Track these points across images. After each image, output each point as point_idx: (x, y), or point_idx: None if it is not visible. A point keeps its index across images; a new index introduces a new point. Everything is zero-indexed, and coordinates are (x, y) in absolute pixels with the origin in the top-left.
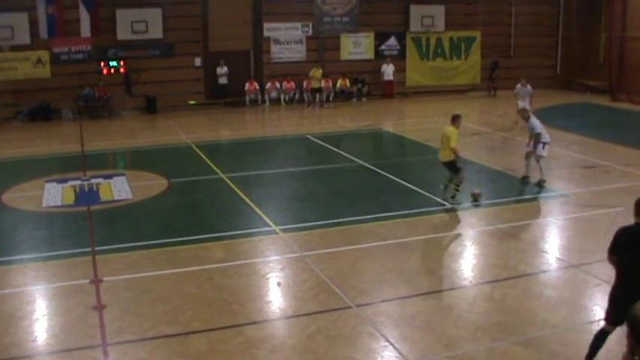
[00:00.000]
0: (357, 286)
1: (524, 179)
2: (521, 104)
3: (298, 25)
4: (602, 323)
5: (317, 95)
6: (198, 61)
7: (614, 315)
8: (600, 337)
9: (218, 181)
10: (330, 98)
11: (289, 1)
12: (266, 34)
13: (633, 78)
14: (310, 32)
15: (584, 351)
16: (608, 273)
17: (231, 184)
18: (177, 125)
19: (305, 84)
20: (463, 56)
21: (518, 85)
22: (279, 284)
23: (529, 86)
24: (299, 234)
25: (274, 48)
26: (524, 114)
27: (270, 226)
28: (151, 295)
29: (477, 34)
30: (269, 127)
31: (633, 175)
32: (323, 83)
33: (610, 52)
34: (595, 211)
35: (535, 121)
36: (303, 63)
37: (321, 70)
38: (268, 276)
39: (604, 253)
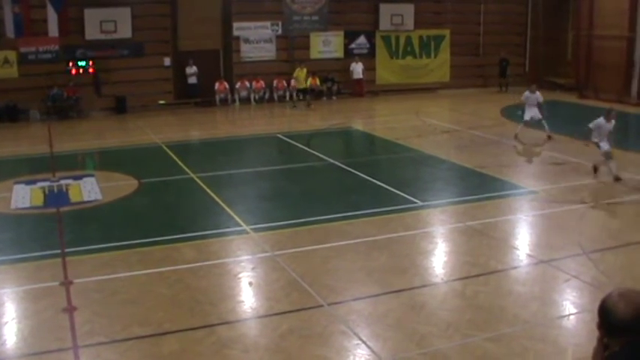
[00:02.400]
0: (329, 284)
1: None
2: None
3: (268, 24)
4: (573, 318)
5: (301, 95)
6: (167, 61)
7: None
8: None
9: (188, 181)
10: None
11: (259, 1)
12: (235, 33)
13: (600, 75)
14: (280, 31)
15: (555, 346)
16: (577, 269)
17: (202, 184)
18: (147, 125)
19: (292, 82)
20: (433, 54)
21: (527, 93)
22: (250, 284)
23: (538, 92)
24: (270, 233)
25: (244, 47)
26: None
27: (241, 226)
28: (122, 297)
29: (446, 32)
30: (239, 127)
31: (602, 172)
32: (309, 82)
33: (577, 50)
34: (564, 207)
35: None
36: (273, 62)
37: (305, 70)
38: (240, 276)
39: (573, 249)
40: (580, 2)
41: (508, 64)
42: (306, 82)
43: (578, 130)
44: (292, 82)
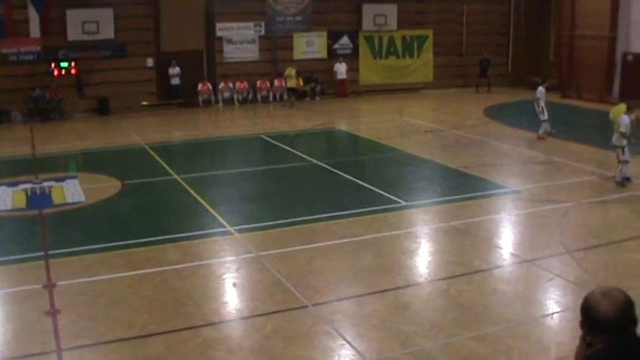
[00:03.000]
0: (313, 285)
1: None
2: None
3: (251, 24)
4: (557, 316)
5: (291, 93)
6: (150, 62)
7: None
8: None
9: (172, 183)
10: (285, 97)
11: (242, 1)
12: (218, 34)
13: (582, 75)
14: (263, 32)
15: (539, 345)
16: (560, 267)
17: (186, 186)
18: (130, 126)
19: (276, 83)
20: (416, 54)
21: (541, 88)
22: (234, 285)
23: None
24: (254, 234)
25: (227, 48)
26: None
27: (225, 227)
28: (106, 299)
29: (429, 32)
30: (223, 128)
31: (584, 171)
32: (294, 82)
33: (559, 50)
34: (547, 207)
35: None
36: (256, 63)
37: (295, 69)
38: (224, 277)
39: (556, 248)
40: (562, 3)
41: (489, 65)
42: (296, 81)
43: (560, 130)
44: (276, 82)
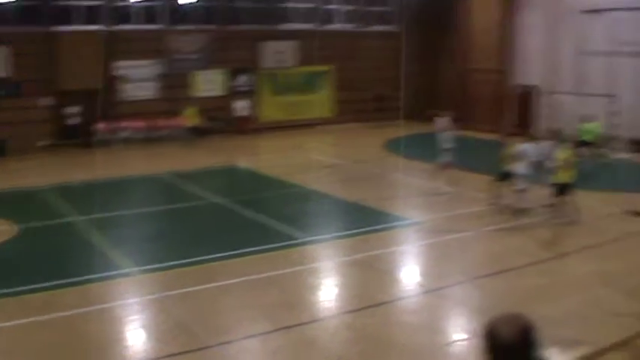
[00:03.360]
0: (218, 324)
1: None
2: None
3: (150, 63)
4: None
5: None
6: (47, 101)
7: None
8: None
9: (71, 225)
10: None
11: (140, 39)
12: (118, 72)
13: (476, 107)
14: (162, 70)
15: None
16: (462, 295)
17: (86, 227)
18: (28, 168)
19: (179, 121)
20: (315, 90)
21: (444, 119)
22: (138, 328)
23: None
24: (157, 275)
25: (125, 86)
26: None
27: (126, 268)
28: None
29: (328, 68)
30: (122, 167)
31: (483, 200)
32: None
33: (454, 83)
34: (448, 236)
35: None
36: (155, 101)
37: (195, 109)
38: (127, 319)
39: (458, 276)
40: (455, 37)
41: (384, 99)
42: (195, 120)
43: (458, 161)
44: (176, 120)
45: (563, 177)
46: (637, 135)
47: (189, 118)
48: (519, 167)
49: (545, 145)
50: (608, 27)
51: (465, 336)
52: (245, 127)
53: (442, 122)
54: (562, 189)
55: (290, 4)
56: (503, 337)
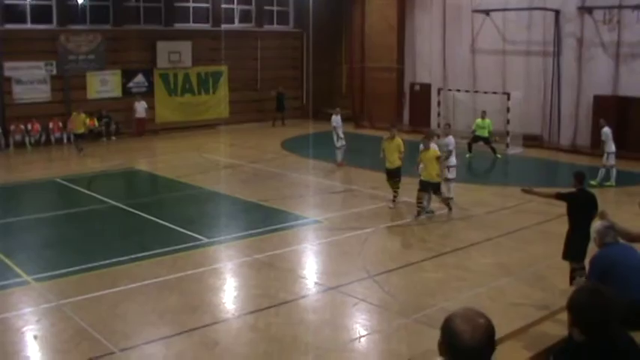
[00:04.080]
0: (120, 330)
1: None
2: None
3: (42, 64)
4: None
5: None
6: None
7: (568, 254)
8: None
9: None
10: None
11: (31, 39)
12: (7, 73)
13: (374, 105)
14: (55, 71)
15: None
16: (364, 292)
17: None
18: None
19: (69, 125)
20: (211, 91)
21: (335, 117)
22: (35, 337)
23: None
24: (54, 282)
25: (17, 89)
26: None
27: (21, 277)
28: None
29: (224, 68)
30: (15, 172)
31: (380, 197)
32: (87, 123)
33: (351, 82)
34: (347, 234)
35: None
36: (48, 104)
37: (83, 115)
38: (23, 330)
39: (358, 273)
40: (352, 37)
41: (284, 98)
42: (83, 127)
43: (356, 159)
44: (69, 123)
45: (430, 174)
46: (528, 131)
47: (76, 124)
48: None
49: (446, 141)
50: (499, 26)
51: (368, 332)
52: (142, 129)
53: (335, 120)
54: (428, 186)
55: (185, 4)
56: (467, 340)
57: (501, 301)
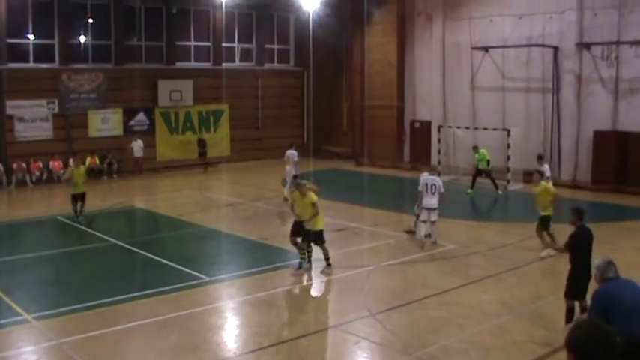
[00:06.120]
0: None
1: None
2: None
3: (44, 102)
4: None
5: (80, 204)
6: None
7: (570, 292)
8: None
9: None
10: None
11: (33, 78)
12: (9, 112)
13: (374, 143)
14: (57, 109)
15: None
16: (366, 330)
17: None
18: None
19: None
20: (212, 129)
21: (291, 151)
22: None
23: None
24: (54, 320)
25: (18, 126)
26: None
27: (21, 315)
28: None
29: (225, 106)
30: (16, 210)
31: (381, 235)
32: (88, 163)
33: (352, 120)
34: (349, 272)
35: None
36: (50, 142)
37: (82, 168)
38: None
39: (360, 311)
40: (352, 74)
41: (206, 145)
42: (84, 185)
43: (356, 197)
44: (71, 161)
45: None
46: (529, 167)
47: (76, 180)
48: (433, 199)
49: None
50: (498, 63)
51: None
52: (140, 168)
53: (288, 155)
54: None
55: (186, 43)
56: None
57: (504, 338)
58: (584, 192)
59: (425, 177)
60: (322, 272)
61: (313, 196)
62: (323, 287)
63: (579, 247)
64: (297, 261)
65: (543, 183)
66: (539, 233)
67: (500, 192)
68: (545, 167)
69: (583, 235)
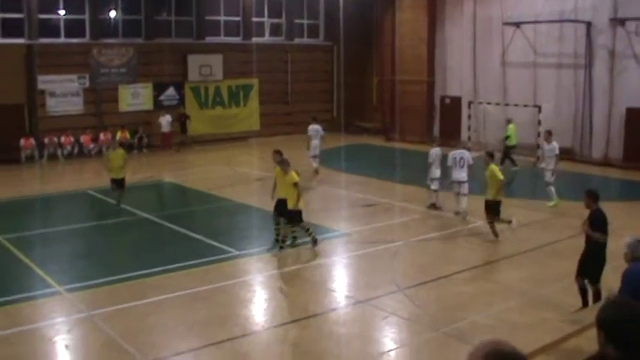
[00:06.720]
0: (149, 341)
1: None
2: None
3: (74, 77)
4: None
5: (118, 191)
6: None
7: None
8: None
9: None
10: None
11: (64, 53)
12: (41, 86)
13: (404, 118)
14: (87, 84)
15: None
16: (394, 305)
17: (9, 246)
18: None
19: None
20: (242, 103)
21: (314, 126)
22: (67, 347)
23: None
24: (85, 292)
25: (50, 101)
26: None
27: (53, 287)
28: None
29: (255, 81)
30: (48, 184)
31: (410, 210)
32: (102, 136)
33: (382, 95)
34: (377, 247)
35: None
36: (81, 116)
37: (121, 151)
38: (55, 339)
39: (389, 286)
40: (382, 49)
41: (188, 119)
42: (123, 170)
43: (386, 172)
44: (102, 135)
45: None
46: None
47: (114, 164)
48: (462, 172)
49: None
50: (530, 39)
51: (397, 345)
52: (168, 143)
53: (314, 130)
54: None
55: (216, 17)
56: None
57: (532, 315)
58: (615, 169)
59: (452, 152)
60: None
61: (295, 176)
62: (352, 262)
63: (598, 230)
64: (304, 239)
65: (492, 166)
66: (491, 221)
67: (515, 168)
68: (554, 145)
69: (603, 217)
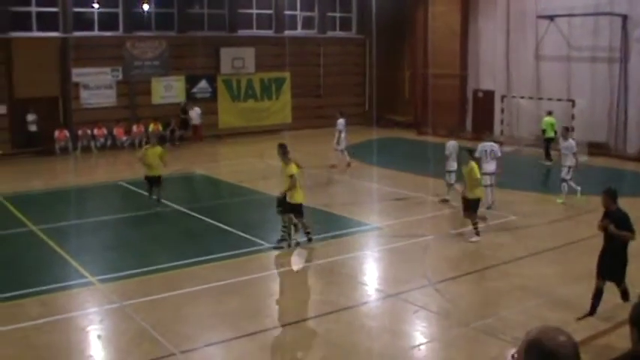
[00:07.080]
0: (181, 332)
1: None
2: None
3: (108, 69)
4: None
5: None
6: (2, 109)
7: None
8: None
9: (29, 234)
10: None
11: (98, 46)
12: (75, 79)
13: (436, 112)
14: (120, 77)
15: None
16: (424, 299)
17: (44, 237)
18: None
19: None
20: (274, 96)
21: (341, 120)
22: (99, 337)
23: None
24: (117, 283)
25: (84, 94)
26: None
27: (86, 278)
28: None
29: (287, 74)
30: (81, 176)
31: (443, 205)
32: (152, 128)
33: (414, 88)
34: (408, 241)
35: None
36: (114, 108)
37: (159, 148)
38: (88, 329)
39: (419, 281)
40: (414, 43)
41: (188, 113)
42: (161, 167)
43: (417, 167)
44: (134, 128)
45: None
46: (594, 138)
47: (152, 161)
48: (492, 165)
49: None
50: (564, 32)
51: (427, 339)
52: (199, 136)
53: (341, 124)
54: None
55: (248, 11)
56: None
57: (563, 311)
58: None
59: (482, 144)
60: (298, 245)
61: (293, 168)
62: (383, 256)
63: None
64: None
65: (472, 163)
66: (470, 218)
67: (548, 163)
68: (571, 142)
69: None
